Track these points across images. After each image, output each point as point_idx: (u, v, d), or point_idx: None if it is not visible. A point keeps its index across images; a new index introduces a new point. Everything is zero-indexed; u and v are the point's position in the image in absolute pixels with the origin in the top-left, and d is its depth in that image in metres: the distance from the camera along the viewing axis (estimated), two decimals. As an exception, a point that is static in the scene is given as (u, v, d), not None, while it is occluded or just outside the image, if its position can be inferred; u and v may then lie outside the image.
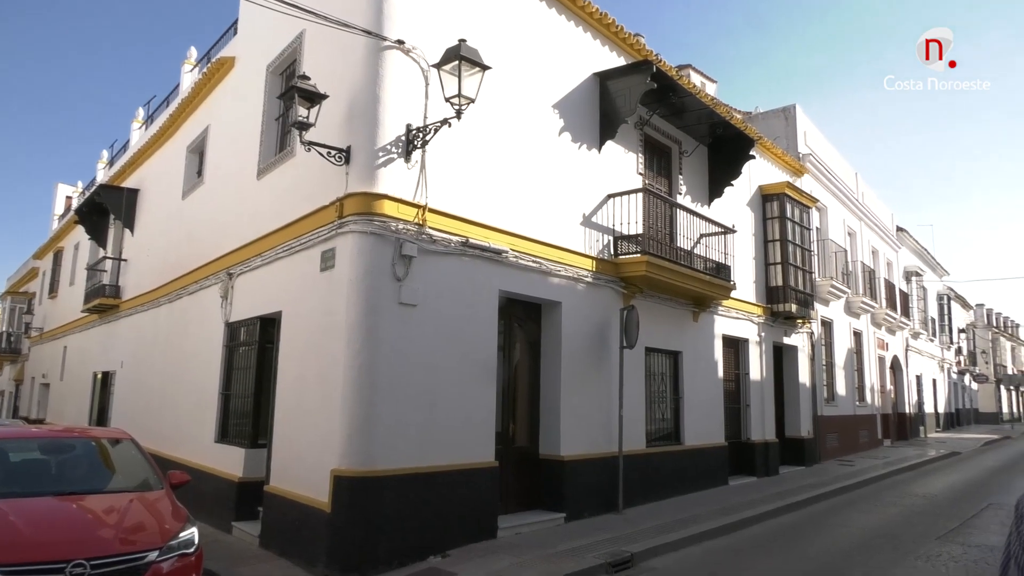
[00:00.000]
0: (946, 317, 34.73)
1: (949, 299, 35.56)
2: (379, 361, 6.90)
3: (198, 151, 12.54)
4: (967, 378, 41.20)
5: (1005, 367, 51.91)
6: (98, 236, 17.61)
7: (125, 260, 16.00)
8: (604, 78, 10.36)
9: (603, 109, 10.36)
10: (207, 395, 10.14)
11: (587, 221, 9.92)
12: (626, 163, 10.94)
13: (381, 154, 7.20)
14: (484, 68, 7.07)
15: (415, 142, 7.35)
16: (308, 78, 7.17)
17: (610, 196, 10.33)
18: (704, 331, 12.58)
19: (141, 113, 18.23)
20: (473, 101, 7.08)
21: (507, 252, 8.35)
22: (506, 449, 8.68)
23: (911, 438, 26.39)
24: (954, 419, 36.95)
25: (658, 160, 12.05)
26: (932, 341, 32.35)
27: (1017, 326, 58.22)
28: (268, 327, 8.85)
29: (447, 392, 7.51)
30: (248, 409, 9.06)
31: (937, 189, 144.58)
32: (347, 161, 7.29)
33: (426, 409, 7.26)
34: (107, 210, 16.40)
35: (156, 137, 14.67)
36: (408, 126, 7.42)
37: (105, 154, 21.15)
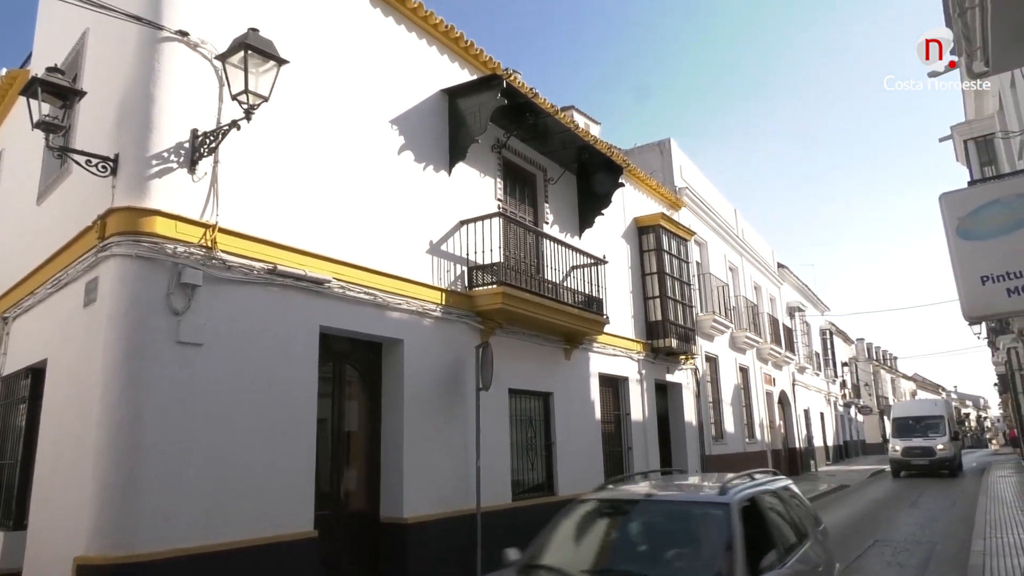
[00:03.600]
0: (830, 351, 35.77)
1: (831, 334, 36.73)
2: (146, 415, 5.53)
3: (-7, 181, 10.79)
4: (852, 410, 42.56)
5: (887, 398, 54.27)
6: None
7: (-77, 312, 13.73)
8: (452, 95, 9.53)
9: (452, 128, 9.49)
10: (-22, 467, 8.32)
11: (435, 249, 8.91)
12: (482, 188, 10.07)
13: (155, 163, 5.96)
14: (280, 62, 6.00)
15: (202, 150, 6.16)
16: (60, 71, 5.90)
17: (463, 223, 9.39)
18: (578, 370, 11.72)
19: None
20: (266, 99, 5.98)
21: (330, 282, 7.19)
22: (336, 514, 7.36)
23: (802, 473, 26.45)
24: (843, 451, 37.83)
25: (521, 187, 11.27)
26: (818, 375, 33.09)
27: (895, 359, 61.36)
28: (40, 379, 7.26)
29: (246, 450, 6.17)
30: (13, 482, 7.37)
31: (812, 233, 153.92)
32: (115, 172, 6.01)
33: (216, 472, 5.90)
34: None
35: (-43, 169, 12.72)
36: (194, 131, 6.23)
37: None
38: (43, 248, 7.36)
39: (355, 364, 8.04)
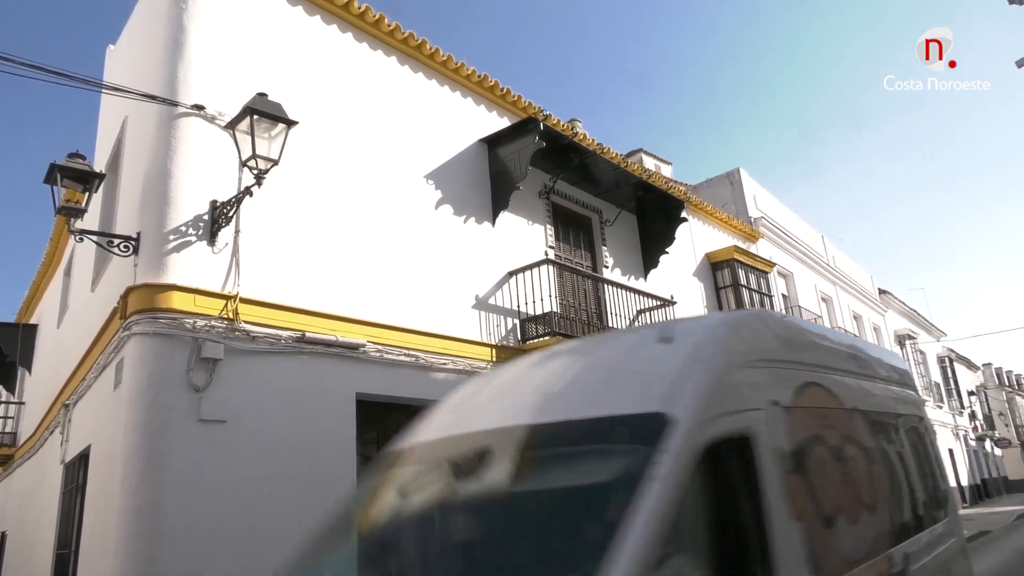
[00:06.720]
0: (951, 380, 32.72)
1: (951, 361, 33.67)
2: (166, 499, 5.28)
3: (70, 273, 11.32)
4: (988, 444, 38.62)
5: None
6: (5, 379, 16.18)
7: (23, 403, 14.50)
8: (491, 143, 9.27)
9: (493, 178, 9.21)
10: (48, 553, 8.39)
11: (482, 304, 8.52)
12: (532, 236, 9.66)
13: (173, 237, 5.88)
14: (289, 123, 5.86)
15: (220, 221, 6.06)
16: (82, 156, 5.97)
17: (510, 273, 8.98)
18: (654, 420, 10.87)
19: (53, 244, 17.19)
20: (276, 162, 5.83)
21: (364, 346, 6.88)
22: (386, 595, 6.86)
23: (934, 518, 23.83)
24: (981, 491, 34.14)
25: (575, 231, 10.80)
26: (940, 407, 30.23)
27: (1032, 383, 55.57)
28: (88, 465, 7.25)
29: (279, 533, 5.78)
30: (69, 570, 7.30)
31: (924, 255, 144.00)
32: (136, 251, 5.98)
33: (245, 559, 5.54)
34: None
35: (45, 264, 13.53)
36: (213, 203, 6.15)
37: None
38: (93, 333, 7.46)
39: (401, 431, 7.63)
